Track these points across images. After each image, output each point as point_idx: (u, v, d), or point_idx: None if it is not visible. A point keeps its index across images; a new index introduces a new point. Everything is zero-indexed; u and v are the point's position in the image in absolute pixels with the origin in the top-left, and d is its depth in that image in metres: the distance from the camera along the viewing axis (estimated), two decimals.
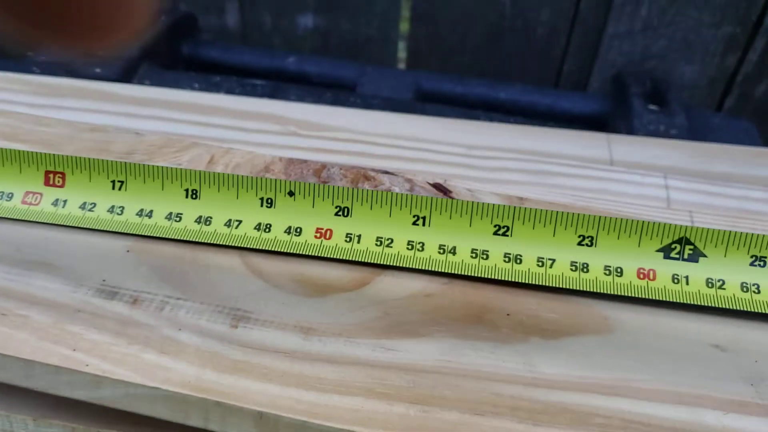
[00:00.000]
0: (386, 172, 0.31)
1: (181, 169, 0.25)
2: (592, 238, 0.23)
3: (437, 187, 0.29)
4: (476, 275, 0.23)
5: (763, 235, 0.23)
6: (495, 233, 0.24)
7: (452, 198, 0.29)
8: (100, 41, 0.13)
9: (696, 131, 0.52)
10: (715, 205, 0.35)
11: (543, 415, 0.22)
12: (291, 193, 0.24)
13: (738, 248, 0.23)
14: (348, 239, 0.24)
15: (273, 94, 0.50)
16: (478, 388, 0.23)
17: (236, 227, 0.24)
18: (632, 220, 0.23)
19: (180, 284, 0.26)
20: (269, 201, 0.24)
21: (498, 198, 0.29)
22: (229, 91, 0.50)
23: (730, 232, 0.23)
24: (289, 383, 0.23)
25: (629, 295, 0.23)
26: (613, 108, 0.54)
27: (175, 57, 0.57)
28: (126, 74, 0.51)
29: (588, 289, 0.23)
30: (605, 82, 0.61)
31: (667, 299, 0.22)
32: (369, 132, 0.39)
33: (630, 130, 0.49)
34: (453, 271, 0.23)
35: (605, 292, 0.23)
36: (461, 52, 0.63)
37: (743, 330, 0.25)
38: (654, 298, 0.22)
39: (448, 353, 0.24)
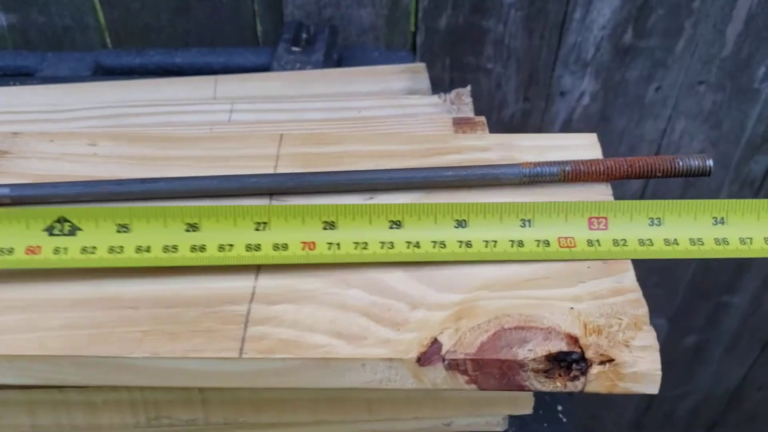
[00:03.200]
0: None
1: None
2: None
3: None
4: None
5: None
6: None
7: None
8: None
9: (350, 64, 0.57)
10: (270, 120, 0.40)
11: None
12: None
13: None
14: None
15: None
16: None
17: None
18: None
19: None
20: None
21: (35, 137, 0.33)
22: None
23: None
24: None
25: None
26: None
27: None
28: None
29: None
30: None
31: (50, 267, 0.25)
32: None
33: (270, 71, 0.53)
34: None
35: None
36: (158, 29, 0.66)
37: None
38: (41, 267, 0.26)
39: None
